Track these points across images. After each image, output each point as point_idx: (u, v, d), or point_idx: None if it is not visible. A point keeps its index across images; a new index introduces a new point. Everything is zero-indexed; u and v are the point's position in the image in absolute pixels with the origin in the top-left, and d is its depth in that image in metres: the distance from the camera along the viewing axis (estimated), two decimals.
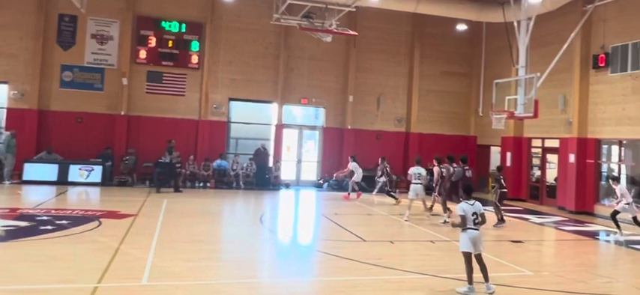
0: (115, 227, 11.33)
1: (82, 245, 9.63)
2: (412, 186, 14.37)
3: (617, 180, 13.82)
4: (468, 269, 7.62)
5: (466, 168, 14.10)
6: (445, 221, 13.57)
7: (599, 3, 16.98)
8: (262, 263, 9.81)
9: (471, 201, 7.78)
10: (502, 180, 14.32)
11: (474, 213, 7.64)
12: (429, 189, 15.69)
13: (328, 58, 22.68)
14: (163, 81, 21.08)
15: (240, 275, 8.32)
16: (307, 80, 22.61)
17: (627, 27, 16.67)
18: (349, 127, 22.88)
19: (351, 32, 19.51)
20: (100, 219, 12.03)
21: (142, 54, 20.81)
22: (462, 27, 22.97)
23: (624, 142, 17.30)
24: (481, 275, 7.67)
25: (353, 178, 18.99)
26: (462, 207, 7.74)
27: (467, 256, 7.67)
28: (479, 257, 7.69)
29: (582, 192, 17.90)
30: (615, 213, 12.96)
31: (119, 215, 12.85)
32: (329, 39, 19.01)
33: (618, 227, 12.96)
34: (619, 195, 12.89)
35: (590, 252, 12.16)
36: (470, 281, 7.59)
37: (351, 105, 22.86)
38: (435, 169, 14.87)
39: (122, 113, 20.42)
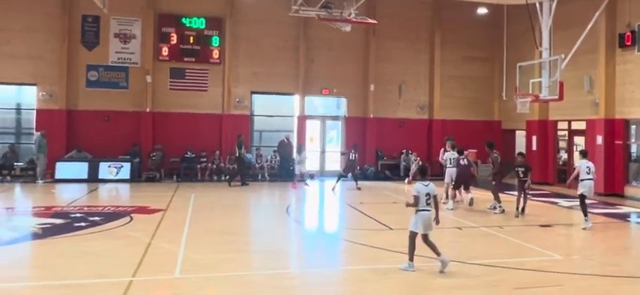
0: (146, 222, 11.57)
1: (116, 240, 9.89)
2: (447, 171, 14.69)
3: (583, 154, 12.73)
4: (411, 248, 7.94)
5: (461, 157, 14.40)
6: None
7: None
8: (291, 253, 9.94)
9: (426, 183, 7.99)
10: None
11: (428, 195, 7.87)
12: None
13: (348, 47, 22.63)
14: (186, 77, 21.36)
15: (270, 266, 8.45)
16: (328, 70, 22.63)
17: None
18: (372, 116, 22.85)
19: (370, 20, 19.42)
20: (131, 215, 12.30)
21: (165, 51, 21.09)
22: (482, 11, 22.63)
23: None
24: (433, 253, 7.94)
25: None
26: (417, 188, 7.95)
27: (413, 235, 7.94)
28: (425, 238, 7.93)
29: (611, 174, 17.61)
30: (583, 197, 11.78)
31: (149, 210, 13.12)
32: (348, 28, 18.95)
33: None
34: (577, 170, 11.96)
35: (622, 235, 12.01)
36: (411, 258, 7.92)
37: (372, 94, 22.80)
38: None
39: (147, 110, 20.76)
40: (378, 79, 22.88)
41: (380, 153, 22.92)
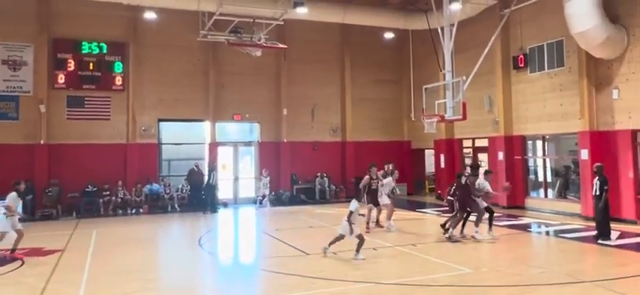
0: (40, 265, 10.53)
1: (4, 288, 8.85)
2: (384, 196, 14.55)
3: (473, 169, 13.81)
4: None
5: (465, 174, 13.66)
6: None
7: (515, 7, 17.85)
8: (204, 288, 9.36)
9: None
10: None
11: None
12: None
13: (259, 72, 22.42)
14: (85, 106, 20.03)
15: None
16: (239, 95, 22.25)
17: (542, 28, 17.62)
18: (285, 140, 22.70)
19: (280, 45, 19.38)
20: (23, 258, 11.13)
21: (61, 78, 19.69)
22: (389, 35, 23.49)
23: (547, 137, 18.22)
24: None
25: None
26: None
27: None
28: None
29: (513, 187, 18.63)
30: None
31: (44, 251, 11.95)
32: (258, 53, 18.76)
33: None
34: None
35: (524, 245, 12.64)
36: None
37: (285, 118, 22.70)
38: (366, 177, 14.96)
39: (41, 142, 19.14)
40: (291, 103, 22.84)
41: (295, 177, 22.78)
